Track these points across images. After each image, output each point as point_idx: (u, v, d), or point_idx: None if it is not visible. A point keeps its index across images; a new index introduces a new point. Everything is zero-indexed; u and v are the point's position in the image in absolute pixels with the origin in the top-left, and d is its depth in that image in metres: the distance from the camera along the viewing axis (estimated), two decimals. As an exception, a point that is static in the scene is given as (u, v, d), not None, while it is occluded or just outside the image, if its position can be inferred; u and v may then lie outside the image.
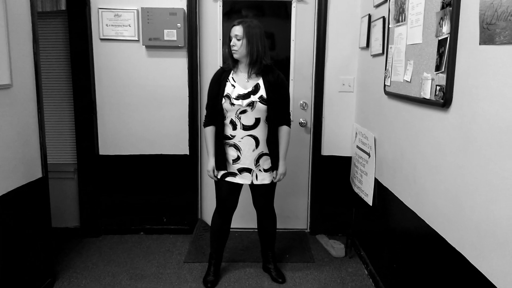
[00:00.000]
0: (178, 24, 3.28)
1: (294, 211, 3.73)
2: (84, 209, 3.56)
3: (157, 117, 3.48)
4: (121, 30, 3.33)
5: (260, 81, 2.62)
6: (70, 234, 3.58)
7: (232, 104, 2.58)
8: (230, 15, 3.50)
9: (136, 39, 3.35)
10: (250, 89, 2.60)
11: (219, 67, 3.42)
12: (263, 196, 2.81)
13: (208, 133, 2.70)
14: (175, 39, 3.30)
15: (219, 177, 2.72)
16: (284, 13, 3.50)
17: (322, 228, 3.65)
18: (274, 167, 2.70)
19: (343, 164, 3.51)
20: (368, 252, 3.05)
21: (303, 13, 3.46)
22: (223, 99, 2.61)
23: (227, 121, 2.64)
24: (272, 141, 2.67)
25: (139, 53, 3.39)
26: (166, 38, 3.29)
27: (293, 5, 3.44)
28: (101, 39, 3.35)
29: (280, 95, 2.65)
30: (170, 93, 3.45)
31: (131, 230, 3.64)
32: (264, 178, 2.71)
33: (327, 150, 3.53)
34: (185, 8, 3.33)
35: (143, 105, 3.46)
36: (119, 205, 3.60)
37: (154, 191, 3.59)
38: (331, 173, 3.55)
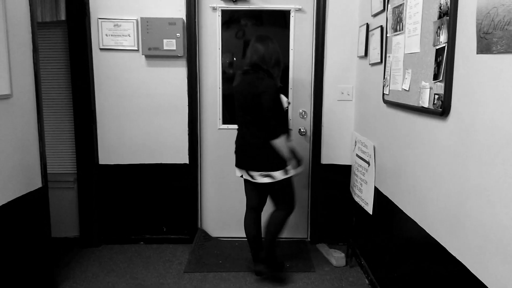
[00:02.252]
0: (177, 34, 3.30)
1: (294, 220, 3.71)
2: (83, 218, 3.55)
3: (156, 126, 3.48)
4: (120, 40, 3.35)
5: None
6: (69, 244, 3.57)
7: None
8: (229, 25, 3.52)
9: (136, 48, 3.37)
10: None
11: (219, 77, 3.46)
12: None
13: (284, 140, 2.77)
14: (175, 48, 3.31)
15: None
16: (282, 23, 3.52)
17: (323, 237, 3.64)
18: None
19: (343, 172, 3.51)
20: (369, 261, 3.04)
21: (302, 22, 3.48)
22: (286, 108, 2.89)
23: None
24: None
25: (138, 63, 3.40)
26: (165, 47, 3.31)
27: (292, 14, 3.46)
28: (100, 49, 3.37)
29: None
30: (169, 102, 3.46)
31: (131, 239, 3.63)
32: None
33: (326, 158, 3.53)
34: (184, 18, 3.34)
35: (142, 114, 3.47)
36: (119, 215, 3.60)
37: (154, 200, 3.59)
38: (330, 182, 3.55)
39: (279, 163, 2.79)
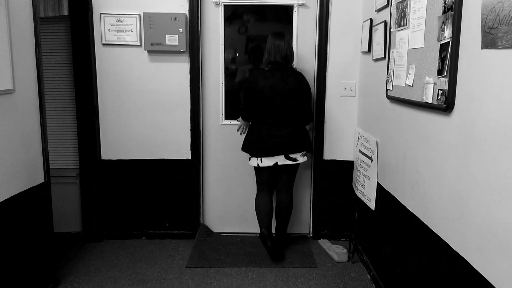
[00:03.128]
0: (180, 29, 3.29)
1: (296, 216, 3.71)
2: (86, 214, 3.56)
3: (159, 121, 3.48)
4: (123, 35, 3.34)
5: None
6: (72, 239, 3.58)
7: None
8: (232, 20, 3.51)
9: (138, 44, 3.36)
10: None
11: (221, 72, 3.45)
12: None
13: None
14: (177, 44, 3.30)
15: None
16: (285, 18, 3.51)
17: (325, 232, 3.64)
18: None
19: (345, 168, 3.50)
20: (371, 257, 3.04)
21: (305, 18, 3.47)
22: None
23: None
24: None
25: (141, 58, 3.39)
26: (168, 43, 3.30)
27: (295, 9, 3.45)
28: (103, 44, 3.36)
29: None
30: (172, 98, 3.45)
31: (133, 235, 3.63)
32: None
33: (329, 154, 3.53)
34: (187, 13, 3.34)
35: (145, 109, 3.46)
36: (121, 210, 3.60)
37: (156, 195, 3.59)
38: (333, 178, 3.55)
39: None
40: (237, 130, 3.44)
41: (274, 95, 3.09)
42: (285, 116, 3.14)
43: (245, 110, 3.27)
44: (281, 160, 3.17)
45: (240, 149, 3.31)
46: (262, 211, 3.30)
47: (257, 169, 3.29)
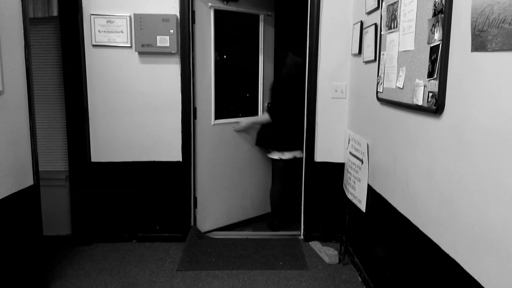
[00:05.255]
0: (171, 31, 3.28)
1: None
2: (76, 217, 3.52)
3: (149, 123, 3.46)
4: (113, 36, 3.32)
5: None
6: (61, 242, 3.54)
7: None
8: (222, 23, 3.53)
9: (129, 45, 3.34)
10: None
11: (212, 74, 3.47)
12: None
13: None
14: (168, 45, 3.29)
15: None
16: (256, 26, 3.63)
17: (316, 234, 3.64)
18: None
19: (336, 170, 3.51)
20: (362, 258, 3.05)
21: (268, 26, 3.51)
22: None
23: None
24: None
25: (131, 59, 3.38)
26: (159, 44, 3.29)
27: (261, 18, 3.49)
28: (93, 45, 3.34)
29: None
30: (162, 99, 3.44)
31: (124, 238, 3.60)
32: None
33: (320, 156, 3.53)
34: (178, 15, 3.33)
35: (135, 111, 3.44)
36: (111, 213, 3.57)
37: (147, 198, 3.57)
38: (324, 180, 3.55)
39: None
40: (237, 130, 3.78)
41: (300, 101, 3.61)
42: (302, 118, 3.59)
43: (282, 109, 3.75)
44: (298, 154, 3.77)
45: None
46: (279, 201, 3.86)
47: (278, 161, 3.80)
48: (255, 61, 3.96)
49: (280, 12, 4.17)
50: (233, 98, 3.91)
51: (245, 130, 3.84)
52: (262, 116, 3.90)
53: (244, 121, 3.84)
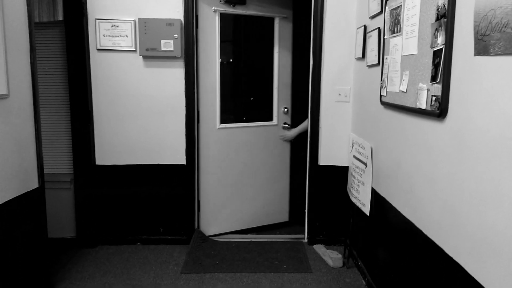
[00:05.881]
0: (175, 35, 3.30)
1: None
2: (80, 219, 3.54)
3: (154, 127, 3.48)
4: (118, 41, 3.35)
5: None
6: (66, 244, 3.55)
7: None
8: (227, 27, 3.54)
9: (133, 49, 3.36)
10: None
11: (217, 78, 3.48)
12: None
13: None
14: (172, 49, 3.31)
15: None
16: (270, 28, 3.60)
17: (320, 238, 3.64)
18: None
19: (340, 173, 3.51)
20: (366, 262, 3.05)
21: (284, 29, 3.51)
22: None
23: None
24: None
25: (136, 64, 3.40)
26: (163, 48, 3.31)
27: (276, 21, 3.49)
28: (98, 49, 3.36)
29: None
30: (167, 103, 3.45)
31: (128, 240, 3.62)
32: None
33: (324, 160, 3.54)
34: (182, 19, 3.34)
35: (140, 115, 3.46)
36: (115, 215, 3.59)
37: (151, 201, 3.58)
38: (328, 183, 3.56)
39: None
40: (286, 139, 3.94)
41: None
42: None
43: None
44: None
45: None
46: None
47: None
48: (269, 65, 3.83)
49: (299, 14, 3.94)
50: (241, 103, 3.87)
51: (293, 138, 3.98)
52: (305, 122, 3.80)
53: (294, 130, 3.92)
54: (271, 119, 3.91)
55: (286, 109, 3.92)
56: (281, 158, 3.97)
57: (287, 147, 3.98)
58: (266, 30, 3.75)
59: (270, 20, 3.73)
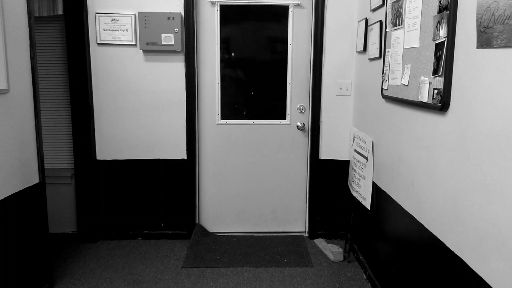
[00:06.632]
0: (175, 29, 3.28)
1: (292, 215, 3.72)
2: (81, 214, 3.54)
3: (154, 121, 3.47)
4: (118, 35, 3.33)
5: None
6: (67, 239, 3.56)
7: None
8: (227, 19, 3.50)
9: (134, 43, 3.35)
10: None
11: (217, 72, 3.47)
12: None
13: None
14: (173, 43, 3.30)
15: None
16: (281, 18, 3.50)
17: (321, 232, 3.64)
18: None
19: (341, 168, 3.51)
20: (367, 256, 3.05)
21: (300, 18, 3.47)
22: None
23: None
24: None
25: (136, 58, 3.38)
26: (163, 42, 3.29)
27: (290, 9, 3.45)
28: (98, 43, 3.35)
29: None
30: (167, 98, 3.44)
31: (129, 235, 3.62)
32: None
33: (325, 154, 3.53)
34: (182, 13, 3.33)
35: (140, 109, 3.45)
36: (116, 210, 3.59)
37: (152, 196, 3.58)
38: (329, 177, 3.55)
39: None
40: None
41: None
42: None
43: None
44: None
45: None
46: None
47: None
48: (282, 59, 3.57)
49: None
50: (245, 100, 3.65)
51: None
52: None
53: None
54: (284, 117, 3.65)
55: (302, 108, 3.60)
56: (297, 162, 3.70)
57: (304, 150, 3.68)
58: (279, 21, 3.52)
59: (283, 8, 3.49)
